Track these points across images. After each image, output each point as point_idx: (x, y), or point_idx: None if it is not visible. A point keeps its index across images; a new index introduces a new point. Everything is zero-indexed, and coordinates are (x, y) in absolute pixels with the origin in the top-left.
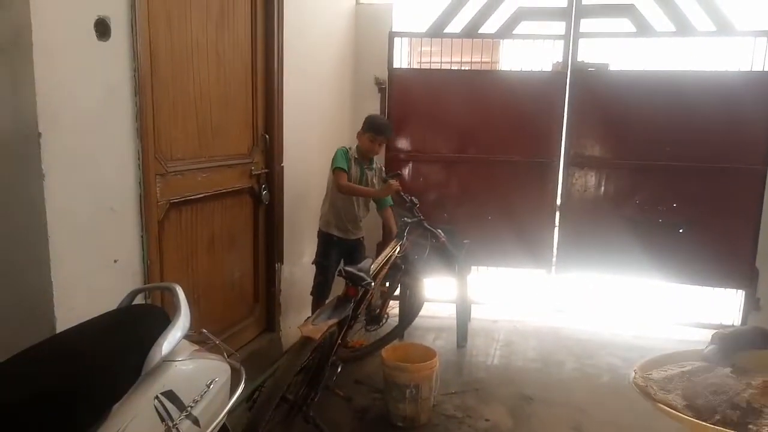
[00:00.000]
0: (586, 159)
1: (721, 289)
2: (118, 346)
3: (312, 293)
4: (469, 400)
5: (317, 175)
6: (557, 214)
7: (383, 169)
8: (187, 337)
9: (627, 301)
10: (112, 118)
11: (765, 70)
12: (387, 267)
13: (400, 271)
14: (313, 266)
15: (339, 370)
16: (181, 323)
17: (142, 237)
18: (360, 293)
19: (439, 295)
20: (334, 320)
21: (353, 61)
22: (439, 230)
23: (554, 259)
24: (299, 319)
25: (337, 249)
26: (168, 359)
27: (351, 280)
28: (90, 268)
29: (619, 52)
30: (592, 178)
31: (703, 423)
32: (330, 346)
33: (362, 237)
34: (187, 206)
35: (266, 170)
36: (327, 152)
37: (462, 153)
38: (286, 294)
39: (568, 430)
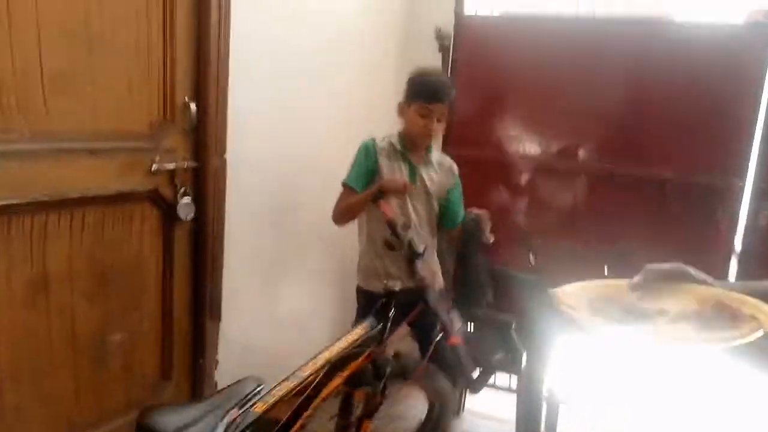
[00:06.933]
0: None
1: None
2: None
3: None
4: None
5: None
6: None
7: (453, 163)
8: None
9: None
10: None
11: None
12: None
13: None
14: None
15: None
16: None
17: None
18: None
19: None
20: None
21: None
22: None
23: None
24: None
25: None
26: None
27: None
28: None
29: None
30: None
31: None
32: None
33: (428, 284)
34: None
35: (194, 164)
36: (350, 147)
37: (567, 157)
38: (229, 366)
39: None
